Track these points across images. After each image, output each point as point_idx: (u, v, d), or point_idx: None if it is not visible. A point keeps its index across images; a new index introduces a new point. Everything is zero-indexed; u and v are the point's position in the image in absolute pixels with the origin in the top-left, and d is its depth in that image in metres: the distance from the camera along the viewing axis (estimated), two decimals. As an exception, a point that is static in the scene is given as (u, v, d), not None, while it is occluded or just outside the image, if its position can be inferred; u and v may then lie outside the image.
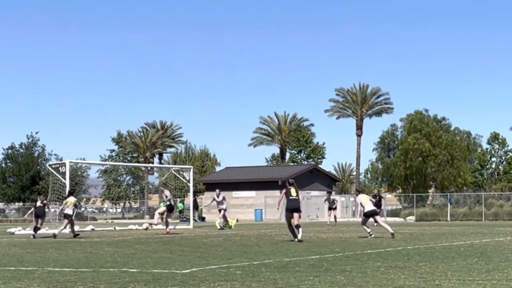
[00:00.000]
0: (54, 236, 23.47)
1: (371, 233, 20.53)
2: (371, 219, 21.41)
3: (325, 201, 39.34)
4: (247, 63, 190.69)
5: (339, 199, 60.18)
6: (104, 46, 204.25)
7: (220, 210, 30.72)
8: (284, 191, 19.27)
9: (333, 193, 40.72)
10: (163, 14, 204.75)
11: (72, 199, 24.25)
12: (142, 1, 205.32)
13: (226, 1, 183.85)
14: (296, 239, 18.39)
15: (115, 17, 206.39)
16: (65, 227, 24.00)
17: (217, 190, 31.93)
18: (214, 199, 31.38)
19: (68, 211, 23.89)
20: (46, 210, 26.62)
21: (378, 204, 33.54)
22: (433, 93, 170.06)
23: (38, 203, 25.78)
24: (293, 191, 19.06)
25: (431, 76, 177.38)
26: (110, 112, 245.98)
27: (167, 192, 25.69)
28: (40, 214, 25.17)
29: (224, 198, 31.12)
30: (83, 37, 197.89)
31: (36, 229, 24.95)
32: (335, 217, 36.21)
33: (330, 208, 36.05)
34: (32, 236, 24.23)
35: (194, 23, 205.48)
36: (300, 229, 18.56)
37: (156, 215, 25.99)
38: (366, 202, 21.14)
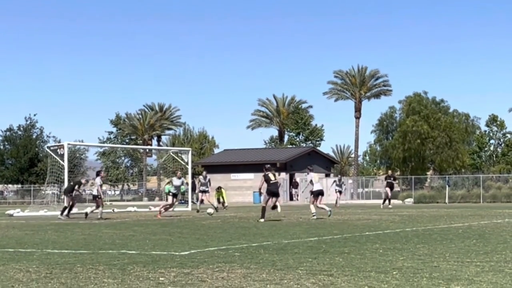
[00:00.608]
0: (102, 218, 23.60)
1: (314, 214, 21.08)
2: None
3: (333, 183, 39.34)
4: (246, 45, 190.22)
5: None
6: (103, 30, 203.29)
7: (204, 192, 30.64)
8: (263, 177, 20.73)
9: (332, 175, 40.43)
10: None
11: (97, 180, 24.48)
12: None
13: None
14: (262, 220, 19.95)
15: (113, 1, 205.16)
16: (102, 207, 24.32)
17: (204, 173, 32.36)
18: (199, 181, 31.49)
19: (94, 192, 24.48)
20: (80, 191, 26.55)
21: (392, 185, 33.48)
22: (432, 75, 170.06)
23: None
24: (271, 176, 20.72)
25: (430, 58, 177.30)
26: (109, 94, 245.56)
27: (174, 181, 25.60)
28: (65, 192, 25.62)
29: (209, 181, 31.21)
30: (81, 20, 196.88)
31: (64, 209, 25.32)
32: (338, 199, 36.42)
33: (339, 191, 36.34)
34: (65, 216, 24.63)
35: (192, 6, 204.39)
36: (279, 206, 21.48)
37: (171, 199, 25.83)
38: (316, 181, 21.70)
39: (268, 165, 21.57)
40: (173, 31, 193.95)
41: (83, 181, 27.96)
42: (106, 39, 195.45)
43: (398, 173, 62.92)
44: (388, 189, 33.35)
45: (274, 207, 21.20)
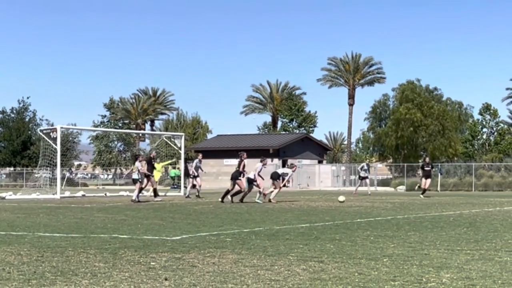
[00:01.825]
0: (134, 201, 23.65)
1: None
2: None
3: (361, 168, 36.25)
4: (240, 31, 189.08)
5: (330, 168, 60.49)
6: (98, 13, 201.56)
7: (195, 177, 29.31)
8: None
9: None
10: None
11: (137, 164, 24.59)
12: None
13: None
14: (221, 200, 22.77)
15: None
16: (139, 191, 24.33)
17: (200, 155, 31.20)
18: (196, 165, 29.78)
19: (134, 176, 24.55)
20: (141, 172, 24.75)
21: (429, 174, 30.25)
22: (425, 63, 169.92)
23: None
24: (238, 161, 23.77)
25: (424, 46, 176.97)
26: (103, 78, 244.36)
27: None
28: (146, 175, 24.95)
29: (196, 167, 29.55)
30: (75, 7, 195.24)
31: (140, 190, 24.94)
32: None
33: (364, 178, 35.16)
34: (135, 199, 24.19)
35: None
36: (230, 195, 23.00)
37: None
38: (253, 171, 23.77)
39: (240, 152, 24.73)
40: (167, 17, 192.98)
41: (153, 154, 27.51)
42: (100, 24, 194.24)
43: (391, 160, 62.99)
44: (424, 180, 29.97)
45: (227, 193, 22.76)
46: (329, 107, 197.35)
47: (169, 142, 37.66)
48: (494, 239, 10.43)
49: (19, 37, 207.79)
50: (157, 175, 30.83)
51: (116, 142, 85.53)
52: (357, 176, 36.98)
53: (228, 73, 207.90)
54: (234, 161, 57.01)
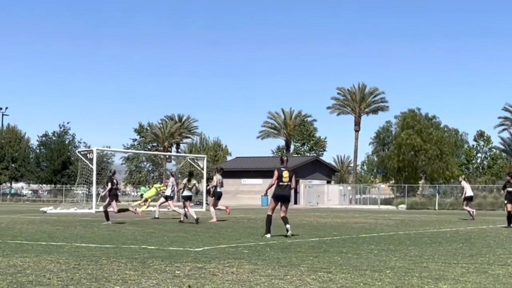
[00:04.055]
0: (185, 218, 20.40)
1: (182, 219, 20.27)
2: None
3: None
4: (258, 64, 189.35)
5: (338, 187, 60.18)
6: (126, 49, 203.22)
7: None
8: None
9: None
10: (180, 17, 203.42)
11: (171, 181, 22.16)
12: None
13: (240, 3, 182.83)
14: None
15: (134, 18, 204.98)
16: (185, 208, 20.88)
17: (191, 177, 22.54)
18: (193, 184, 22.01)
19: (186, 193, 21.00)
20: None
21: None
22: (425, 93, 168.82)
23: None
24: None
25: (424, 77, 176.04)
26: (133, 106, 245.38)
27: (216, 178, 21.14)
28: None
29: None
30: (106, 43, 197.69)
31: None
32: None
33: None
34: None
35: (210, 30, 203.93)
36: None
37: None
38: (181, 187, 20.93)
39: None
40: (191, 52, 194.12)
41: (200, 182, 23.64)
42: (130, 58, 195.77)
43: (393, 181, 62.55)
44: (508, 204, 19.06)
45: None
46: (337, 132, 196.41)
47: (193, 163, 37.74)
48: (488, 254, 10.31)
49: (61, 73, 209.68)
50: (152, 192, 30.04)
51: (145, 163, 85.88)
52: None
53: (246, 102, 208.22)
54: (251, 181, 57.58)
